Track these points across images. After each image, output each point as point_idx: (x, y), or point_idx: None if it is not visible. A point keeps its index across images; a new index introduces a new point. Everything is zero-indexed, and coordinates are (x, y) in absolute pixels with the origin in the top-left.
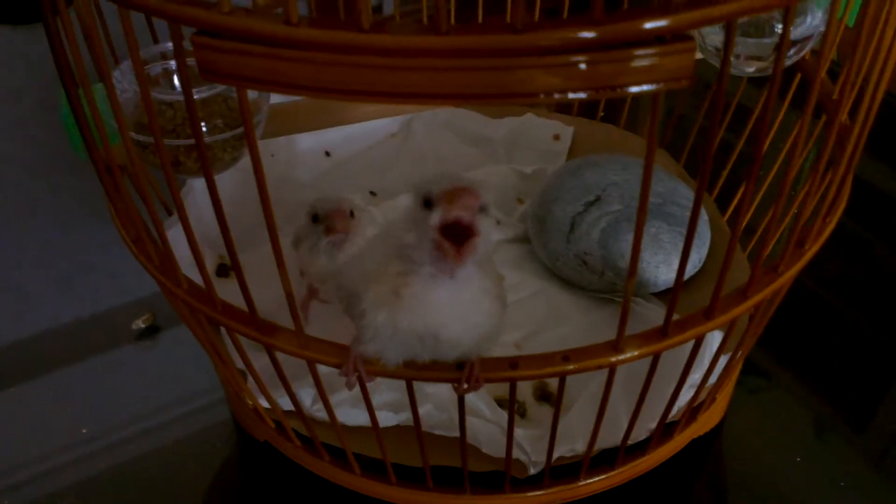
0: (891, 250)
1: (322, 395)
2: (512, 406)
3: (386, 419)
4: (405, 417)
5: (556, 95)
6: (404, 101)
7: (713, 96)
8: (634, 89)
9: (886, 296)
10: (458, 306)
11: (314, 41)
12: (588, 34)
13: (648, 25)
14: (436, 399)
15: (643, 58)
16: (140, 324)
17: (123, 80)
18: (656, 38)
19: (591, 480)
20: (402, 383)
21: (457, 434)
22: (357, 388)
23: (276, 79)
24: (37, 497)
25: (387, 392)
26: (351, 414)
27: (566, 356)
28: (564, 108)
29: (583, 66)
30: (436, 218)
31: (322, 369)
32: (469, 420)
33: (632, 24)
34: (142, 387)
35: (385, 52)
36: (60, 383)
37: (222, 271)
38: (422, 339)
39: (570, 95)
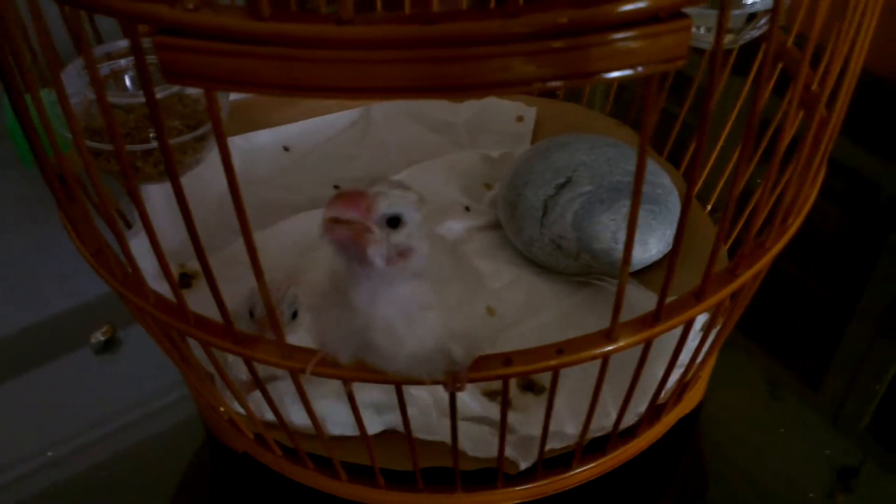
0: (833, 208)
1: (308, 409)
2: (504, 405)
3: (370, 421)
4: (389, 419)
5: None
6: (381, 96)
7: (710, 61)
8: (624, 72)
9: (829, 254)
10: (383, 310)
11: (291, 36)
12: (565, 19)
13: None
14: (419, 401)
15: (632, 39)
16: (99, 336)
17: (70, 84)
18: (652, 17)
19: (583, 469)
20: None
21: (438, 438)
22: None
23: (248, 78)
24: None
25: (374, 391)
26: (334, 409)
27: (560, 349)
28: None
29: (562, 51)
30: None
31: None
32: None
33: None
34: (101, 396)
35: (368, 45)
36: (11, 394)
37: (183, 281)
38: (353, 341)
39: (551, 83)
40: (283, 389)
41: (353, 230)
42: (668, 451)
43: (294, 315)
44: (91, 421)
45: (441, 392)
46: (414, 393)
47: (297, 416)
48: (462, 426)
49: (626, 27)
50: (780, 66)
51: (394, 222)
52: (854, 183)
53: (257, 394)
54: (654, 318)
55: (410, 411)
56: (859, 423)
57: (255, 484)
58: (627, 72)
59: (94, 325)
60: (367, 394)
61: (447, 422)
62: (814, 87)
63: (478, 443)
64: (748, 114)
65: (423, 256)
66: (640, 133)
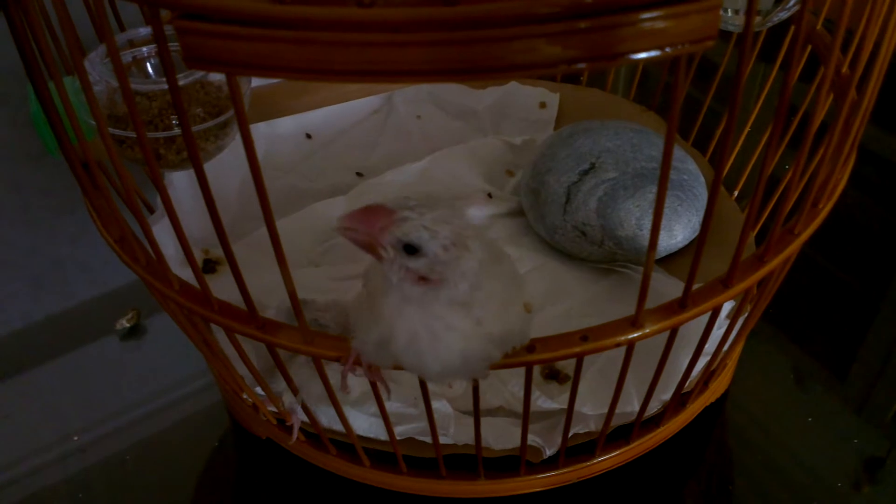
0: (862, 197)
1: (328, 389)
2: (527, 393)
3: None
4: (407, 429)
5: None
6: (404, 79)
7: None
8: (652, 53)
9: (857, 242)
10: (408, 329)
11: (312, 19)
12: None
13: None
14: (438, 411)
15: (659, 19)
16: (124, 323)
17: (93, 71)
18: None
19: (607, 457)
20: (406, 396)
21: (453, 441)
22: (358, 392)
23: (270, 63)
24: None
25: (389, 402)
26: (355, 417)
27: (584, 335)
28: (549, 75)
29: (588, 32)
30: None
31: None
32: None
33: None
34: (127, 384)
35: (390, 28)
36: (38, 382)
37: (207, 267)
38: (384, 348)
39: (576, 65)
40: (307, 392)
41: (365, 239)
42: (693, 440)
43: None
44: (116, 407)
45: (458, 391)
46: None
47: (322, 416)
48: (484, 420)
49: (653, 6)
50: (808, 49)
51: (410, 249)
52: (883, 171)
53: (282, 384)
54: (680, 305)
55: (437, 405)
56: (886, 414)
57: (279, 470)
58: (655, 53)
59: (120, 313)
60: (387, 404)
61: (465, 421)
62: (844, 70)
63: (500, 435)
64: (777, 98)
65: (463, 290)
66: (669, 115)
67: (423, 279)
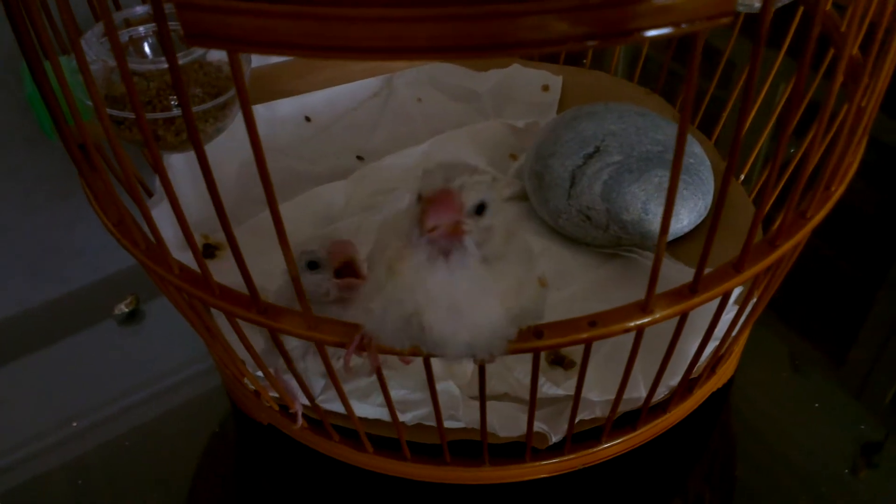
0: (861, 182)
1: (331, 375)
2: (535, 379)
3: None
4: (414, 415)
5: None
6: (410, 56)
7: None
8: (665, 30)
9: (857, 230)
10: (448, 295)
11: None
12: None
13: None
14: (447, 391)
15: None
16: (123, 308)
17: (89, 51)
18: None
19: (613, 443)
20: (413, 381)
21: (462, 424)
22: (364, 381)
23: (273, 39)
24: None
25: (395, 389)
26: (358, 408)
27: (593, 321)
28: (551, 57)
29: (599, 8)
30: (421, 220)
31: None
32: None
33: None
34: (126, 369)
35: (397, 2)
36: (36, 367)
37: (207, 252)
38: (409, 323)
39: (587, 43)
40: (312, 371)
41: (448, 228)
42: (698, 426)
43: (312, 266)
44: (115, 392)
45: (465, 378)
46: (441, 388)
47: (325, 402)
48: (489, 405)
49: None
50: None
51: (480, 209)
52: (882, 156)
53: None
54: (690, 290)
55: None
56: (884, 398)
57: (280, 456)
58: (668, 29)
59: (118, 298)
60: (393, 392)
61: (474, 405)
62: (854, 52)
63: (506, 422)
64: (781, 81)
65: (499, 236)
66: (682, 98)
67: (485, 234)
